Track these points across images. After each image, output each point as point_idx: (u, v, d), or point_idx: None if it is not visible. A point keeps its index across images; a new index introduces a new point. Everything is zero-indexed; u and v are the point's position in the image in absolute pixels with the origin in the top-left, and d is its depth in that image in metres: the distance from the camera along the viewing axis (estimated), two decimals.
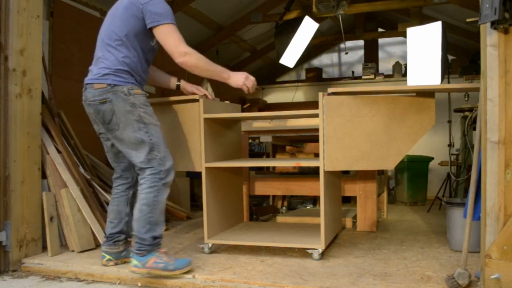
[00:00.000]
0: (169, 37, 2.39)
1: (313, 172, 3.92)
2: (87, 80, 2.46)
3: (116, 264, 2.60)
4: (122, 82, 2.38)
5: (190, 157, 2.83)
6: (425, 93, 2.59)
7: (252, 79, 2.66)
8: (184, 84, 2.84)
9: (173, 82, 2.86)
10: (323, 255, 2.80)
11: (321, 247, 2.64)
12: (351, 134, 2.60)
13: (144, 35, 2.45)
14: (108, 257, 2.60)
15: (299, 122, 3.63)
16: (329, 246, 3.05)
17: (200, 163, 2.80)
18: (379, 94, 2.65)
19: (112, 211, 2.65)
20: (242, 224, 3.35)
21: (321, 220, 2.64)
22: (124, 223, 2.65)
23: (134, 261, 2.37)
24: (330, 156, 2.61)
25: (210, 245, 2.85)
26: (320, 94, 2.62)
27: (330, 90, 2.63)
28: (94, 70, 2.45)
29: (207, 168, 2.81)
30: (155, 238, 2.38)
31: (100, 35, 2.52)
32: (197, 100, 2.78)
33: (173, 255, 2.66)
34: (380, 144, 2.59)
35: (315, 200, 4.90)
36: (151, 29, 2.41)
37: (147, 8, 2.38)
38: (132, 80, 2.42)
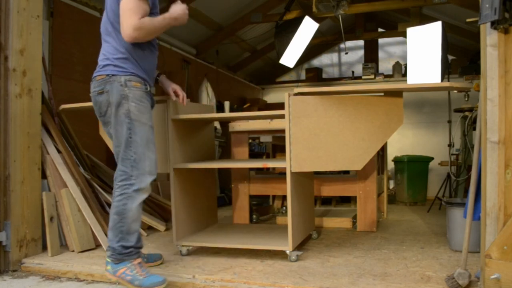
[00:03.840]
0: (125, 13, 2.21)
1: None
2: (93, 74, 2.40)
3: None
4: (120, 72, 2.28)
5: (159, 159, 2.75)
6: (393, 93, 2.57)
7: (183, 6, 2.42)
8: (163, 80, 2.70)
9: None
10: (323, 255, 2.80)
11: (289, 248, 2.62)
12: (317, 135, 2.56)
13: None
14: None
15: None
16: (329, 246, 3.06)
17: (169, 165, 2.77)
18: (346, 94, 2.63)
19: None
20: (215, 226, 3.33)
21: (289, 222, 2.61)
22: None
23: (108, 266, 2.32)
24: (297, 157, 2.57)
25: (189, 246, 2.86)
26: (286, 94, 2.57)
27: (296, 90, 2.60)
28: (99, 63, 2.39)
29: (175, 170, 2.80)
30: (126, 247, 2.28)
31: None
32: (165, 101, 2.76)
33: (153, 268, 2.54)
34: (347, 144, 2.56)
35: (315, 200, 4.90)
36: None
37: None
38: (133, 70, 2.31)
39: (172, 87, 2.68)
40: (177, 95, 2.68)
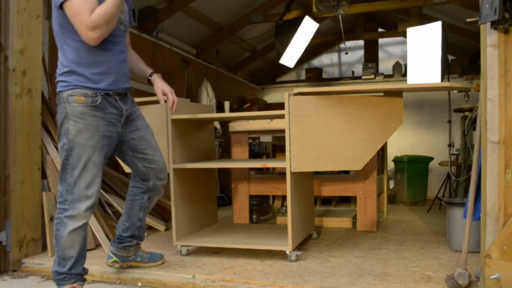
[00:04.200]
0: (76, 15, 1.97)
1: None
2: None
3: (121, 267, 2.53)
4: (64, 87, 2.09)
5: None
6: (393, 93, 2.57)
7: None
8: (154, 80, 2.44)
9: (145, 74, 2.46)
10: (323, 255, 2.80)
11: (289, 248, 2.62)
12: (317, 135, 2.56)
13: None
14: (114, 258, 2.50)
15: None
16: (329, 246, 3.06)
17: (169, 165, 2.77)
18: (346, 94, 2.63)
19: (125, 213, 2.49)
20: (215, 226, 3.33)
21: (289, 222, 2.61)
22: (135, 228, 2.49)
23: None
24: (297, 157, 2.58)
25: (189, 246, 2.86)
26: (286, 94, 2.57)
27: (296, 90, 2.60)
28: None
29: (175, 170, 2.80)
30: (60, 273, 2.13)
31: None
32: (165, 101, 2.75)
33: None
34: (347, 144, 2.56)
35: (315, 200, 4.90)
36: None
37: None
38: (77, 82, 2.07)
39: (163, 89, 2.42)
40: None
